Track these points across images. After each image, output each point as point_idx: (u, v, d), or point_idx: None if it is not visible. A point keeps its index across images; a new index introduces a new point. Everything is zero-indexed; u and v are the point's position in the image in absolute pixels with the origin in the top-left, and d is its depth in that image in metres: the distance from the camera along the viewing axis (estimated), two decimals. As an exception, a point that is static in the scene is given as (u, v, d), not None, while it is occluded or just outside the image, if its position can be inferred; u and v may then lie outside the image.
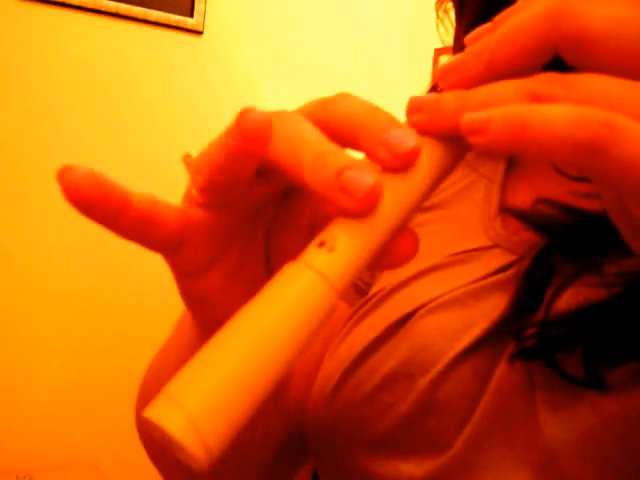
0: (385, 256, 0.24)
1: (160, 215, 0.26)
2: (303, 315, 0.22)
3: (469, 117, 0.22)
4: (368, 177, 0.22)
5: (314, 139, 0.24)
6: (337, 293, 0.23)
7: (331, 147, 0.23)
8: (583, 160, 0.20)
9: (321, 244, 0.23)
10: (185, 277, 0.29)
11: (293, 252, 0.24)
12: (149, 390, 0.43)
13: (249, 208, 0.28)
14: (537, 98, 0.21)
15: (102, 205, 0.24)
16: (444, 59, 1.89)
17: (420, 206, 0.25)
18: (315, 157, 0.23)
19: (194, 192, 0.26)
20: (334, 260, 0.23)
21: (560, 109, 0.20)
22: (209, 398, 0.20)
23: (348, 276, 0.23)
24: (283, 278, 0.23)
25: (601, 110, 0.20)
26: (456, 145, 0.25)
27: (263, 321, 0.22)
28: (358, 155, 0.24)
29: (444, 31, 0.54)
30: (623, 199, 0.23)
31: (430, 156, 0.25)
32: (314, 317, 0.22)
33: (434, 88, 0.31)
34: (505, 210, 0.42)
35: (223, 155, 0.24)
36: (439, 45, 1.88)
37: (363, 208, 0.22)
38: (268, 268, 0.31)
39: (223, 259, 0.28)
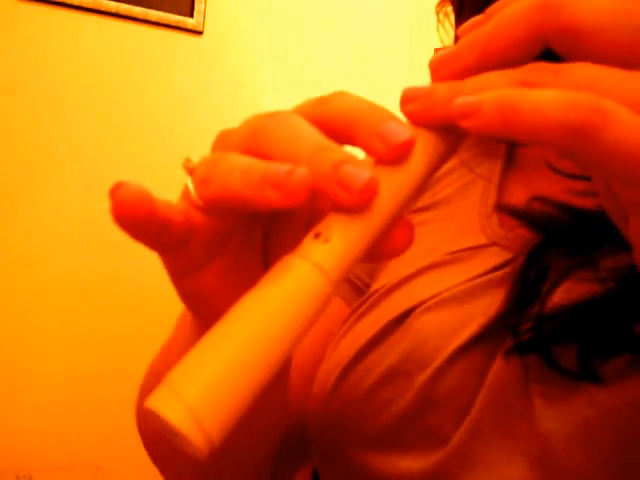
0: (381, 247, 0.25)
1: (172, 218, 0.25)
2: (299, 305, 0.22)
3: (461, 101, 0.22)
4: (365, 172, 0.22)
5: (310, 136, 0.24)
6: (332, 283, 0.23)
7: (327, 142, 0.24)
8: (572, 144, 0.20)
9: (317, 235, 0.24)
10: (180, 275, 0.28)
11: (291, 248, 0.24)
12: (150, 390, 0.43)
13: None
14: (528, 85, 0.22)
15: (145, 223, 0.24)
16: (444, 59, 1.89)
17: (416, 196, 0.25)
18: (312, 153, 0.23)
19: (196, 199, 0.26)
20: (329, 251, 0.23)
21: (551, 93, 0.20)
22: (208, 387, 0.21)
23: (344, 267, 0.23)
24: (279, 270, 0.23)
25: (591, 95, 0.20)
26: (450, 135, 0.25)
27: (260, 311, 0.22)
28: (357, 153, 0.25)
29: (444, 32, 0.54)
30: (611, 185, 0.23)
31: (424, 146, 0.25)
32: (310, 307, 0.23)
33: None
34: (500, 207, 0.43)
35: (250, 195, 0.23)
36: (439, 45, 1.88)
37: (360, 202, 0.23)
38: (266, 264, 0.31)
39: (219, 257, 0.28)
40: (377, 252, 0.25)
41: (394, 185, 0.24)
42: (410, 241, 0.25)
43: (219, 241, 0.28)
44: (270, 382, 0.22)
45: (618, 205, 0.24)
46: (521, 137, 0.21)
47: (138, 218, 0.23)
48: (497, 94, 0.21)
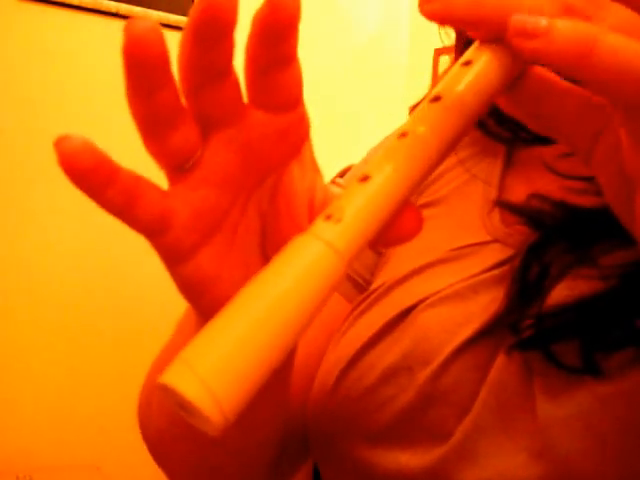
0: (391, 232, 0.25)
1: (143, 191, 0.26)
2: (313, 283, 0.22)
3: (521, 18, 0.20)
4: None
5: None
6: (345, 263, 0.23)
7: None
8: None
9: (328, 217, 0.24)
10: (173, 262, 0.28)
11: (290, 233, 0.24)
12: (153, 389, 0.43)
13: (234, 188, 0.28)
14: (571, 12, 0.21)
15: (93, 175, 0.24)
16: (444, 59, 1.89)
17: (430, 173, 0.26)
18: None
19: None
20: (342, 231, 0.23)
21: (630, 42, 0.20)
22: (223, 362, 0.21)
23: (356, 246, 0.24)
24: (292, 250, 0.23)
25: None
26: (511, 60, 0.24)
27: (274, 289, 0.22)
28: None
29: (444, 32, 0.54)
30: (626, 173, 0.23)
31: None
32: (324, 286, 0.23)
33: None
34: (500, 203, 0.43)
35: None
36: (439, 45, 1.88)
37: None
38: (264, 255, 0.30)
39: (210, 243, 0.28)
40: (386, 237, 0.25)
41: (409, 161, 0.24)
42: (419, 227, 0.25)
43: (206, 224, 0.28)
44: (283, 361, 0.22)
45: (624, 185, 0.24)
46: (587, 77, 0.20)
47: (83, 168, 0.24)
48: (574, 24, 0.20)
